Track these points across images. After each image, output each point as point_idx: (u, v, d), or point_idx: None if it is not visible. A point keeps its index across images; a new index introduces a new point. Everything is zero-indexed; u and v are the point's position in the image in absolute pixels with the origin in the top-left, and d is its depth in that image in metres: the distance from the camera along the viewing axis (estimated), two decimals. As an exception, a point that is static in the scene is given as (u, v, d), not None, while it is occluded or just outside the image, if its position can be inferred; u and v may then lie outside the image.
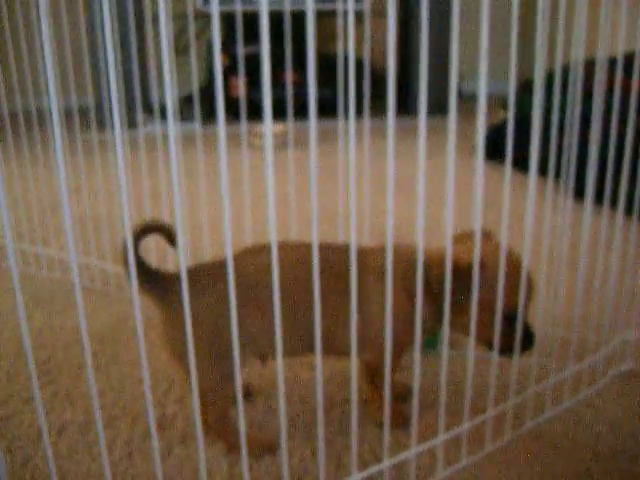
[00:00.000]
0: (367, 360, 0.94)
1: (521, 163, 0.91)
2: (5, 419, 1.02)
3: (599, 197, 1.04)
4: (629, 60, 0.97)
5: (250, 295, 0.87)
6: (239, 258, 0.87)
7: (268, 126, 0.61)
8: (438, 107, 2.07)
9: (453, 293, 0.82)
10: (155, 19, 0.79)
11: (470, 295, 0.82)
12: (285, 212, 1.29)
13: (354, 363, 0.76)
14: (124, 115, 1.31)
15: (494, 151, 1.86)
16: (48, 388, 1.10)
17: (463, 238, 0.92)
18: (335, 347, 0.91)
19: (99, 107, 1.71)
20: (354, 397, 0.76)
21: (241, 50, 1.32)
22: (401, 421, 0.97)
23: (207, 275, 0.88)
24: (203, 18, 3.88)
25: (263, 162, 0.61)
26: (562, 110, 0.99)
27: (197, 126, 1.36)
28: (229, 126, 0.78)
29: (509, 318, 0.88)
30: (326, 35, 3.77)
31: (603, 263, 1.07)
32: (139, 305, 0.61)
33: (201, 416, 0.72)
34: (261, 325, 0.87)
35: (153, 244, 1.30)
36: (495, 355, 0.90)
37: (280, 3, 1.26)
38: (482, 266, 0.82)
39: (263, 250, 0.90)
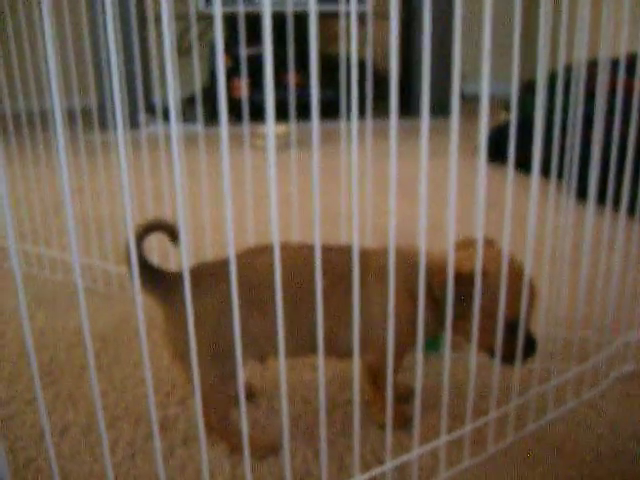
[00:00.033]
0: (368, 361, 0.94)
1: (523, 164, 0.91)
2: (8, 419, 1.02)
3: (601, 197, 1.04)
4: (631, 61, 0.97)
5: (252, 295, 0.87)
6: (241, 258, 0.87)
7: (270, 127, 0.61)
8: (440, 108, 2.07)
9: (455, 300, 0.82)
10: (157, 20, 0.79)
11: (472, 302, 0.82)
12: (287, 213, 1.29)
13: (356, 364, 0.76)
14: (126, 116, 1.31)
15: (496, 152, 1.86)
16: (50, 389, 1.10)
17: (466, 245, 0.92)
18: (337, 348, 0.91)
19: (102, 108, 1.71)
20: (356, 398, 0.76)
21: (244, 51, 1.32)
22: (403, 422, 0.97)
23: (210, 275, 0.88)
24: (205, 19, 3.88)
25: (265, 163, 0.61)
26: (565, 111, 0.98)
27: (199, 127, 1.36)
28: (232, 127, 0.78)
29: (511, 326, 0.88)
30: (329, 36, 3.77)
31: (605, 263, 1.07)
32: (142, 305, 0.61)
33: (203, 417, 0.72)
34: (263, 326, 0.87)
35: (155, 243, 1.30)
36: (497, 363, 0.90)
37: (282, 4, 1.26)
38: (484, 274, 0.82)
39: (265, 251, 0.90)
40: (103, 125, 1.60)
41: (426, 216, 0.72)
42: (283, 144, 2.70)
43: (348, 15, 1.61)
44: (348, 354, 0.90)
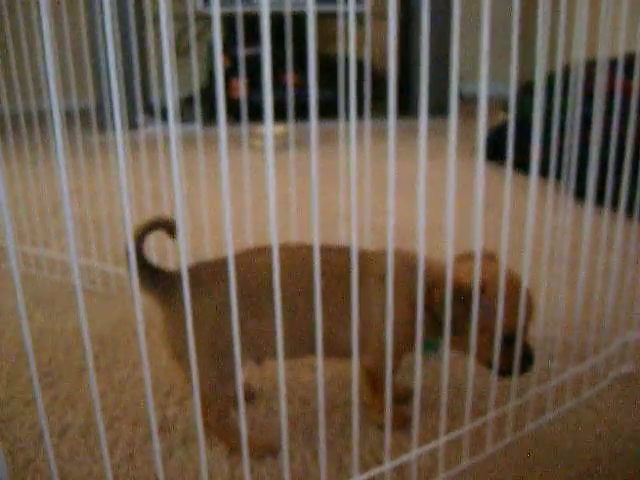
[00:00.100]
0: (366, 363, 0.94)
1: (522, 164, 0.91)
2: (6, 421, 1.02)
3: (600, 198, 1.04)
4: (630, 61, 0.97)
5: (250, 296, 0.87)
6: (240, 259, 0.87)
7: (269, 127, 0.61)
8: (439, 109, 2.07)
9: (453, 313, 0.82)
10: (156, 20, 0.79)
11: (470, 316, 0.82)
12: (286, 213, 1.29)
13: (355, 365, 0.76)
14: (125, 116, 1.31)
15: (495, 152, 1.86)
16: (49, 390, 1.10)
17: (466, 258, 0.92)
18: (335, 349, 0.91)
19: (100, 108, 1.72)
20: (355, 399, 0.76)
21: (242, 51, 1.32)
22: (402, 423, 0.97)
23: (208, 274, 0.88)
24: (204, 19, 3.88)
25: (264, 163, 0.61)
26: (563, 111, 0.99)
27: (198, 127, 1.36)
28: (230, 127, 0.78)
29: (509, 339, 0.88)
30: (327, 37, 3.77)
31: (604, 264, 1.07)
32: (140, 305, 0.61)
33: (202, 418, 0.72)
34: (261, 326, 0.87)
35: (154, 242, 1.30)
36: (494, 375, 0.90)
37: (281, 5, 1.26)
38: (483, 288, 0.82)
39: (263, 251, 0.90)
40: (101, 125, 1.60)
41: (424, 216, 0.72)
42: (281, 144, 2.70)
43: (346, 15, 1.61)
44: (347, 355, 0.90)
